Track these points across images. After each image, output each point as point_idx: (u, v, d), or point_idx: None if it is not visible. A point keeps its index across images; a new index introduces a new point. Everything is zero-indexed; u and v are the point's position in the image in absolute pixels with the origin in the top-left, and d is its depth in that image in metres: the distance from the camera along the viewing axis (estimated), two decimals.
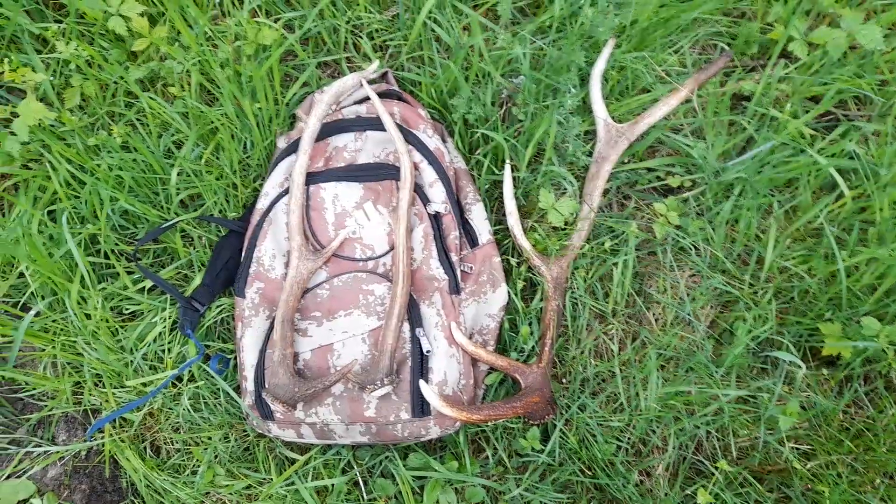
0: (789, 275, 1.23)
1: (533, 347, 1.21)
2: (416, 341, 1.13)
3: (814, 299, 1.22)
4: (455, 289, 1.16)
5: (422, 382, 1.07)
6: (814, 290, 1.21)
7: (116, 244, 1.26)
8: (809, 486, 1.14)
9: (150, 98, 1.24)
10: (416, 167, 1.19)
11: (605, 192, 1.32)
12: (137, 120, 1.30)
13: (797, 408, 1.12)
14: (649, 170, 1.33)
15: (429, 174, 1.19)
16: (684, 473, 1.17)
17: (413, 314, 1.14)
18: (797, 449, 1.17)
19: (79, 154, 1.24)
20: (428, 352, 1.12)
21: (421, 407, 1.10)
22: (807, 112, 1.30)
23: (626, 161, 1.33)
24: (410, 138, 1.19)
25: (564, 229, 1.28)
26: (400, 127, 1.19)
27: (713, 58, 1.36)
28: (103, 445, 1.22)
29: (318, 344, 1.15)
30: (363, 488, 1.18)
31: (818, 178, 1.25)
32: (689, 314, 1.22)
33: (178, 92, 1.27)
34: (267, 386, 1.12)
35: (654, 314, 1.28)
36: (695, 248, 1.27)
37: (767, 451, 1.17)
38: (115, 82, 1.29)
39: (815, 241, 1.24)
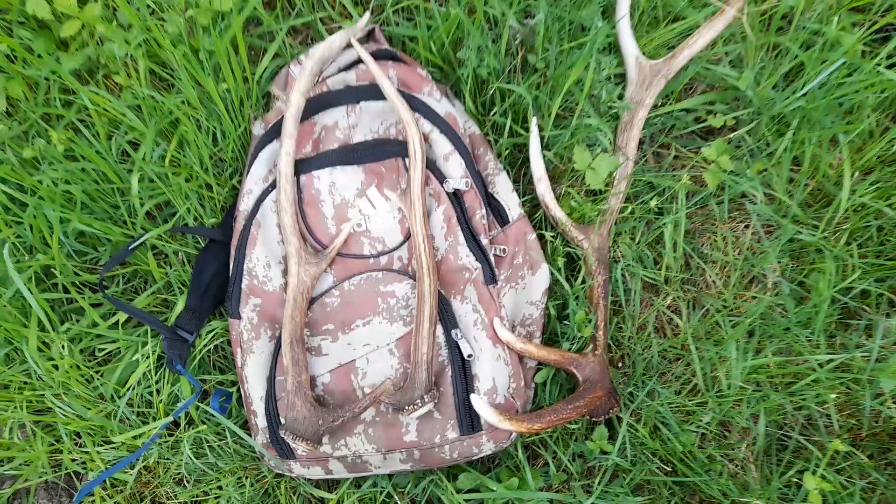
0: (864, 213, 1.07)
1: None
2: (453, 346, 0.95)
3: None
4: (491, 278, 0.98)
5: (473, 397, 0.89)
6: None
7: (76, 274, 1.05)
8: None
9: (92, 92, 1.01)
10: (425, 139, 1.00)
11: (640, 144, 1.14)
12: (80, 121, 1.07)
13: None
14: (686, 111, 1.16)
15: (442, 145, 1.00)
16: (776, 456, 1.02)
17: (445, 314, 0.96)
18: None
19: (13, 171, 1.01)
20: (470, 356, 0.94)
21: (470, 422, 0.93)
22: (854, 27, 1.13)
23: (657, 104, 1.15)
24: (415, 104, 1.00)
25: (600, 193, 1.10)
26: (401, 92, 0.99)
27: None
28: None
29: (338, 363, 0.97)
30: None
31: (885, 97, 1.08)
32: (768, 270, 1.05)
33: (124, 81, 1.04)
34: (283, 421, 0.93)
35: (710, 277, 1.11)
36: (749, 196, 1.10)
37: (863, 416, 1.02)
38: (46, 78, 1.06)
39: (891, 170, 1.07)
